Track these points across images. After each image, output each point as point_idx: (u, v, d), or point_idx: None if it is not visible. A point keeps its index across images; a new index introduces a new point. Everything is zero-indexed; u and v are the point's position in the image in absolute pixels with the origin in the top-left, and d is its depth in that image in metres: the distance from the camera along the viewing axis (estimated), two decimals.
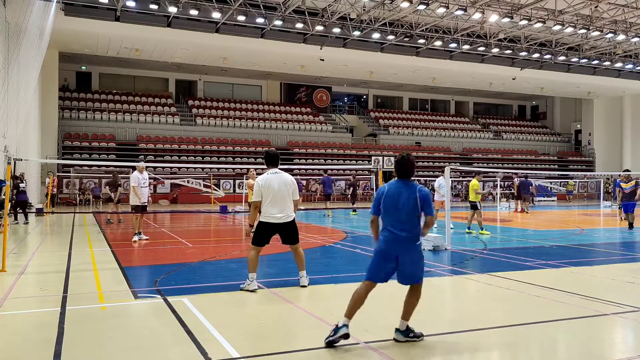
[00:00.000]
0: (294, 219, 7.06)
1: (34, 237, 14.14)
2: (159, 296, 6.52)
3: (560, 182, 42.86)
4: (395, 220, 4.82)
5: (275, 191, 6.88)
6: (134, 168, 12.59)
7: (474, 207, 14.33)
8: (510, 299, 6.57)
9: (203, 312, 5.70)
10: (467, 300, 6.82)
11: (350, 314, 4.78)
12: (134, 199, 12.13)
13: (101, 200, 28.52)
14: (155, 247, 11.55)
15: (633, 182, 15.87)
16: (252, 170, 13.76)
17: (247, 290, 6.80)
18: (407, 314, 4.85)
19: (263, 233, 6.97)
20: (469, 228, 14.45)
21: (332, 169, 35.55)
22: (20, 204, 17.22)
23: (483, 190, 14.95)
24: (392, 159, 39.11)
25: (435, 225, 15.57)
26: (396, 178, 5.01)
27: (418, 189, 4.84)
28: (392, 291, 7.16)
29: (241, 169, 31.13)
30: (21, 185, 17.48)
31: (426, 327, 5.37)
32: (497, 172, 34.60)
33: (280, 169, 7.16)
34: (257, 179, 7.02)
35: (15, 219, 17.32)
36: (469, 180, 17.63)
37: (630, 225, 15.67)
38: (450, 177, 14.94)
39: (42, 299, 6.59)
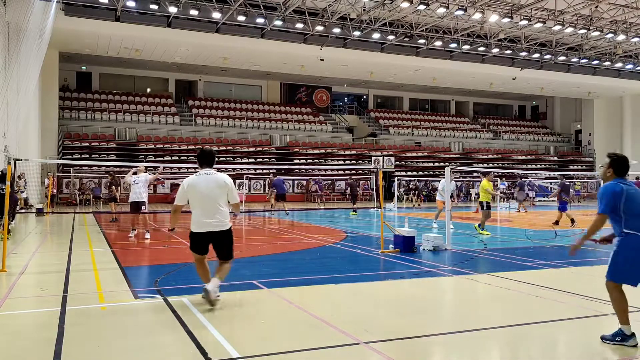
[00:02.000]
0: (229, 228, 6.09)
1: (34, 237, 14.15)
2: (159, 296, 6.52)
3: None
4: None
5: (203, 195, 5.93)
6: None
7: (488, 206, 14.33)
8: (511, 299, 6.57)
9: (203, 312, 5.70)
10: (467, 300, 6.82)
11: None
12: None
13: (101, 200, 28.55)
14: (155, 247, 11.56)
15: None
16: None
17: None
18: None
19: (196, 243, 6.10)
20: (479, 226, 14.26)
21: (332, 169, 35.56)
22: (12, 204, 17.22)
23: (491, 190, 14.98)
24: (392, 159, 39.18)
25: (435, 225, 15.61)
26: (616, 177, 4.75)
27: None
28: (391, 292, 7.19)
29: (241, 169, 31.08)
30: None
31: (426, 327, 5.37)
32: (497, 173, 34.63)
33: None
34: (183, 181, 6.13)
35: (13, 219, 17.29)
36: (472, 181, 17.66)
37: None
38: (455, 179, 14.93)
39: (42, 299, 6.59)
